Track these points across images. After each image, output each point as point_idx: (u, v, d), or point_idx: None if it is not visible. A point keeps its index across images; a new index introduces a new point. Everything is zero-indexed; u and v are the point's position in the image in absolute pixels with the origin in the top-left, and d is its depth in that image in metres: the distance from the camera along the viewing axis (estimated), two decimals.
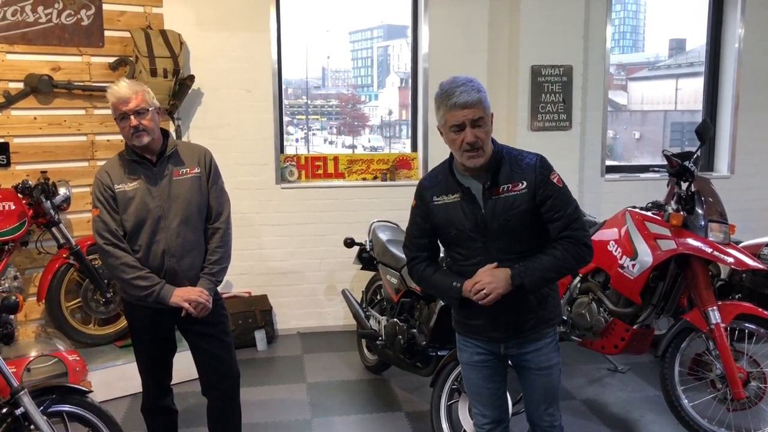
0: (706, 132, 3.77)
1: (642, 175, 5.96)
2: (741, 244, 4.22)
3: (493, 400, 2.58)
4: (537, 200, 2.34)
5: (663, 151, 3.82)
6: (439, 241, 2.56)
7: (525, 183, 2.34)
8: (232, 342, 3.10)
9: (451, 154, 2.42)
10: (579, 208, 2.44)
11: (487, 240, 2.36)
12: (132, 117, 2.73)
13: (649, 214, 3.86)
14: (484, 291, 2.30)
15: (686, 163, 3.68)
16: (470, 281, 2.34)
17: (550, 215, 2.34)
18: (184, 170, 2.89)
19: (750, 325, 3.49)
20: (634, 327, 3.84)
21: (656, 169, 4.65)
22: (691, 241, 3.56)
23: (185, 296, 2.81)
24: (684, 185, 3.74)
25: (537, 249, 2.38)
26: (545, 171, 2.36)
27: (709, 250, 3.49)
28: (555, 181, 2.36)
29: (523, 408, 2.68)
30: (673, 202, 3.76)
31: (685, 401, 3.56)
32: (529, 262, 2.34)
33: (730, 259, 3.48)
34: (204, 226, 2.94)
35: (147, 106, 2.78)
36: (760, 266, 3.55)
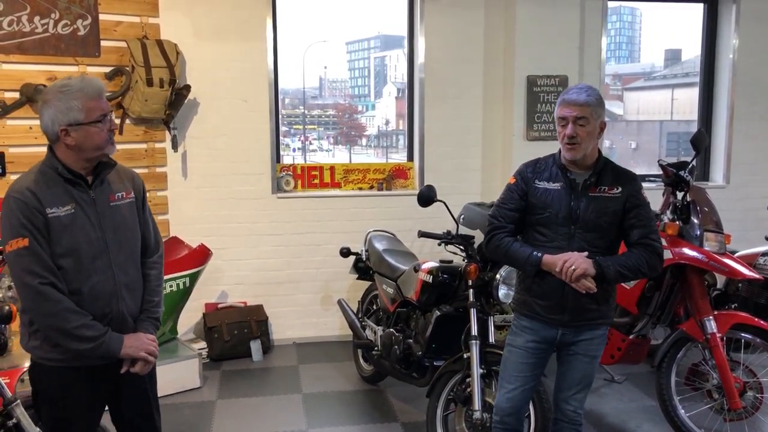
0: (701, 142, 3.78)
1: None
2: (737, 254, 4.23)
3: (525, 386, 2.77)
4: (626, 207, 2.62)
5: (658, 161, 3.83)
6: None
7: (620, 189, 2.63)
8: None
9: (560, 149, 2.71)
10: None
11: (575, 229, 2.61)
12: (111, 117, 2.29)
13: None
14: (573, 267, 2.49)
15: (681, 172, 3.69)
16: (560, 258, 2.54)
17: (633, 222, 2.63)
18: (120, 194, 2.38)
19: (746, 335, 3.49)
20: (631, 337, 3.85)
21: (652, 178, 4.65)
22: (686, 250, 3.56)
23: (140, 346, 2.31)
24: (679, 195, 3.75)
25: (613, 247, 2.68)
26: (638, 185, 2.68)
27: (705, 260, 3.50)
28: (644, 196, 2.68)
29: None
30: (668, 212, 3.77)
31: (682, 411, 3.56)
32: (610, 257, 2.61)
33: (726, 269, 3.49)
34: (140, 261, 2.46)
35: None
36: (756, 276, 3.55)
